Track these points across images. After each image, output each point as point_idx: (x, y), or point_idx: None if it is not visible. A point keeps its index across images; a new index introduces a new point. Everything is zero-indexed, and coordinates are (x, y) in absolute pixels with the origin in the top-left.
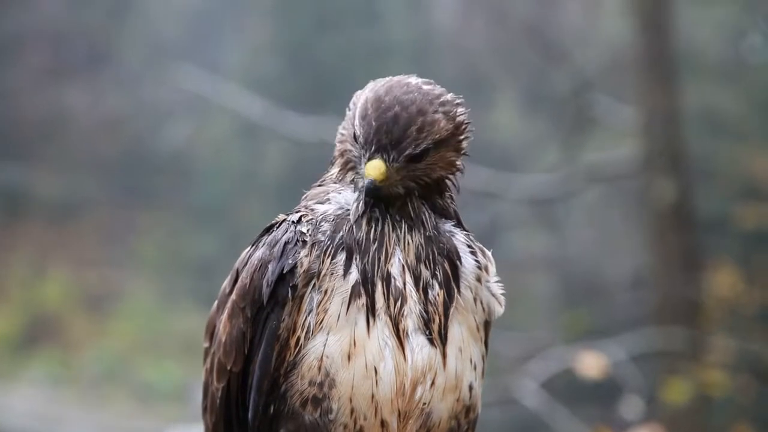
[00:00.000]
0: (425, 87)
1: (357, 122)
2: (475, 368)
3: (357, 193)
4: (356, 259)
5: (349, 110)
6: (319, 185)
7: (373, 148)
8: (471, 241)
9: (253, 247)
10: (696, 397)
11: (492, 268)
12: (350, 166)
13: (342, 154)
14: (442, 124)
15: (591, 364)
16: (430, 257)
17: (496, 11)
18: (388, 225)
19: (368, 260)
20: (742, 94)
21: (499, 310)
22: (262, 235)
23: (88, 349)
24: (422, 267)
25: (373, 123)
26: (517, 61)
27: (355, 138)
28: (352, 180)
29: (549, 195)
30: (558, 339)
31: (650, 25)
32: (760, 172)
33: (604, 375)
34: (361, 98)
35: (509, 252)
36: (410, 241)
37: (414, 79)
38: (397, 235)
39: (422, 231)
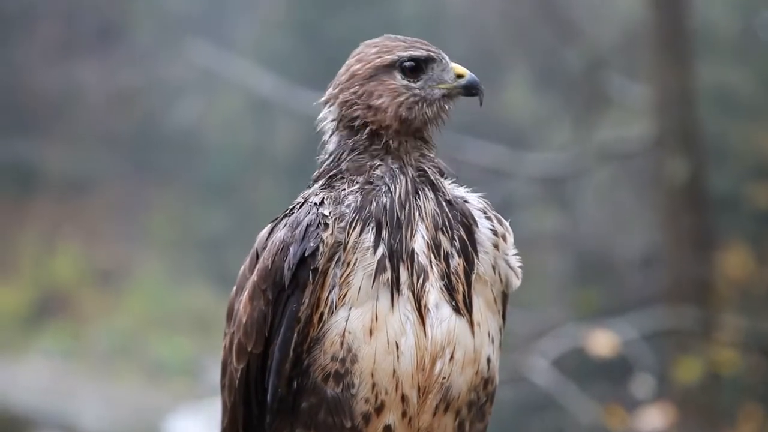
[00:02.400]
0: None
1: (408, 48)
2: (492, 341)
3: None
4: (384, 234)
5: (337, 98)
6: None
7: (444, 56)
8: (486, 206)
9: (274, 227)
10: (706, 376)
11: (510, 238)
12: (398, 112)
13: (348, 117)
14: None
15: (602, 342)
16: (447, 225)
17: None
18: (413, 191)
19: (395, 235)
20: (755, 72)
21: (516, 282)
22: (283, 216)
23: (98, 324)
24: (441, 236)
25: (422, 44)
26: (529, 39)
27: (412, 70)
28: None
29: (561, 173)
30: (569, 317)
31: (663, 3)
32: None
33: (615, 353)
34: (375, 47)
35: (521, 230)
36: (431, 208)
37: None
38: (420, 206)
39: (440, 195)
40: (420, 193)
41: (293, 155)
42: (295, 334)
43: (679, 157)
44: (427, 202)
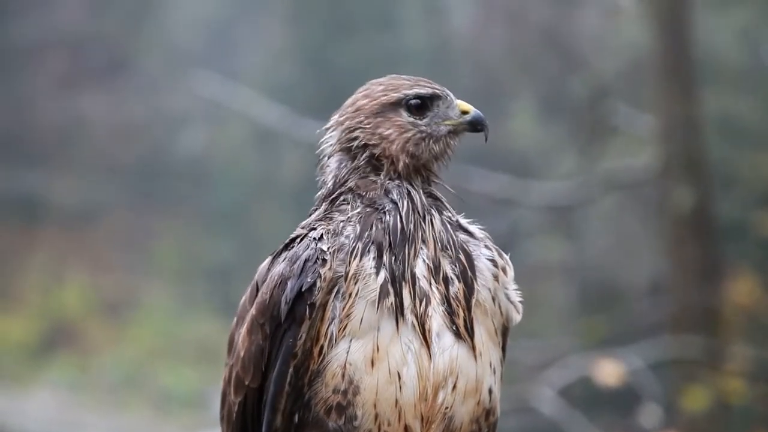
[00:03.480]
0: None
1: (414, 86)
2: (494, 372)
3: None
4: (385, 257)
5: (341, 124)
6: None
7: (449, 94)
8: (486, 237)
9: (273, 260)
10: (714, 405)
11: (510, 272)
12: (405, 146)
13: (357, 149)
14: None
15: (609, 371)
16: (451, 248)
17: (514, 18)
18: (420, 209)
19: (396, 258)
20: (761, 100)
21: (516, 317)
22: (283, 249)
23: (105, 355)
24: (443, 259)
25: (426, 82)
26: (534, 68)
27: (418, 107)
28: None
29: (567, 202)
30: (575, 346)
31: (669, 32)
32: None
33: (622, 383)
34: (381, 86)
35: (527, 259)
36: (438, 227)
37: None
38: (426, 224)
39: (445, 217)
40: (427, 213)
41: (299, 185)
42: (291, 369)
43: (685, 186)
44: (435, 221)
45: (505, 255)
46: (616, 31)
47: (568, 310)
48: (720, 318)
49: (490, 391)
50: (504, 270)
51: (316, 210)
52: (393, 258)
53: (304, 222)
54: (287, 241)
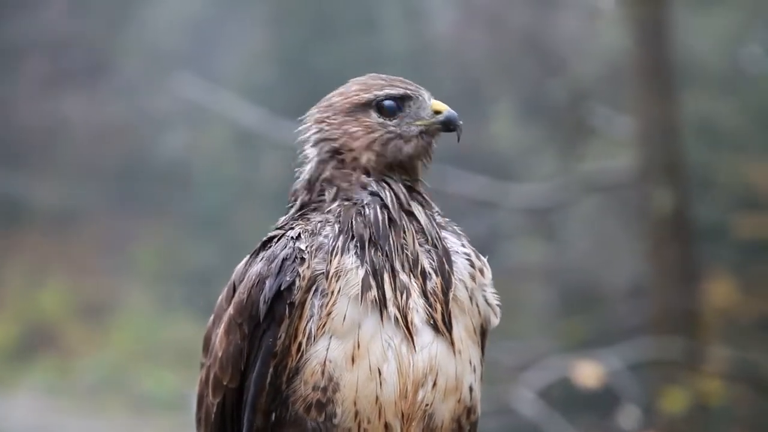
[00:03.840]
0: None
1: (385, 86)
2: (474, 370)
3: (374, 192)
4: (367, 251)
5: (313, 118)
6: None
7: (425, 92)
8: (464, 237)
9: (251, 260)
10: (693, 407)
11: (488, 273)
12: (370, 145)
13: (328, 160)
14: None
15: (588, 373)
16: (428, 244)
17: (494, 21)
18: (405, 200)
19: (377, 250)
20: (740, 104)
21: (494, 320)
22: (260, 249)
23: (85, 359)
24: (420, 253)
25: (401, 82)
26: (514, 71)
27: (390, 109)
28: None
29: (546, 204)
30: (555, 348)
31: (648, 35)
32: (757, 182)
33: (602, 384)
34: (356, 85)
35: (506, 261)
36: (413, 225)
37: None
38: (405, 221)
39: (427, 211)
40: (408, 206)
41: (279, 187)
42: (271, 369)
43: (664, 188)
44: (417, 215)
45: (482, 257)
46: (596, 34)
47: (548, 311)
48: (699, 320)
49: (471, 389)
50: (481, 271)
51: (291, 207)
52: (374, 250)
53: (281, 220)
54: (264, 240)
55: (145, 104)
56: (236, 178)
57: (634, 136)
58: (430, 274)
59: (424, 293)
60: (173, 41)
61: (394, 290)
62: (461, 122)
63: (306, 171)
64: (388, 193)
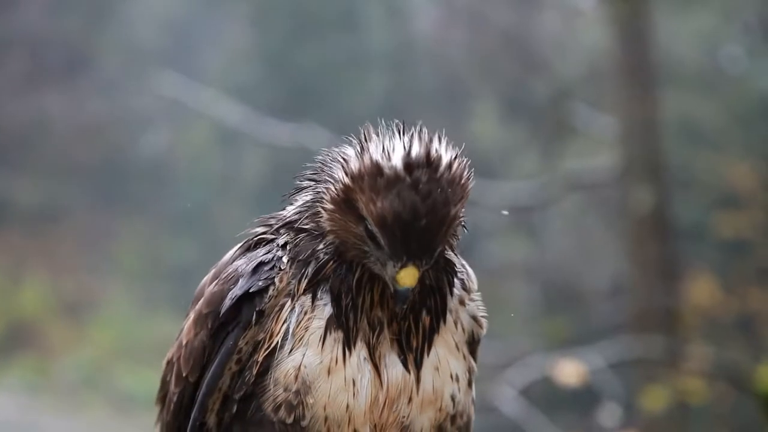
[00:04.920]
0: (444, 172)
1: (375, 224)
2: (456, 380)
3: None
4: (337, 298)
5: (334, 165)
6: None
7: (405, 258)
8: (462, 264)
9: (238, 254)
10: (673, 405)
11: (474, 287)
12: (344, 243)
13: (319, 212)
14: (463, 207)
15: (569, 371)
16: (421, 301)
17: (476, 20)
18: (380, 285)
19: (350, 301)
20: (720, 103)
21: (480, 332)
22: (249, 247)
23: (65, 357)
24: (408, 311)
25: (401, 235)
26: (496, 70)
27: (372, 238)
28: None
29: (528, 203)
30: (537, 347)
31: (629, 35)
32: (737, 181)
33: (583, 382)
34: (378, 204)
35: (488, 259)
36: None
37: (433, 154)
38: (388, 296)
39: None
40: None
41: (261, 185)
42: (226, 371)
43: (645, 187)
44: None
45: (471, 273)
46: (577, 33)
47: (529, 310)
48: (679, 318)
49: (453, 398)
50: (469, 290)
51: (294, 203)
52: (345, 301)
53: (276, 216)
54: (257, 239)
55: (126, 102)
56: (218, 175)
57: (615, 135)
58: (421, 314)
59: (407, 331)
60: (154, 39)
61: (365, 329)
62: (405, 306)
63: (305, 198)
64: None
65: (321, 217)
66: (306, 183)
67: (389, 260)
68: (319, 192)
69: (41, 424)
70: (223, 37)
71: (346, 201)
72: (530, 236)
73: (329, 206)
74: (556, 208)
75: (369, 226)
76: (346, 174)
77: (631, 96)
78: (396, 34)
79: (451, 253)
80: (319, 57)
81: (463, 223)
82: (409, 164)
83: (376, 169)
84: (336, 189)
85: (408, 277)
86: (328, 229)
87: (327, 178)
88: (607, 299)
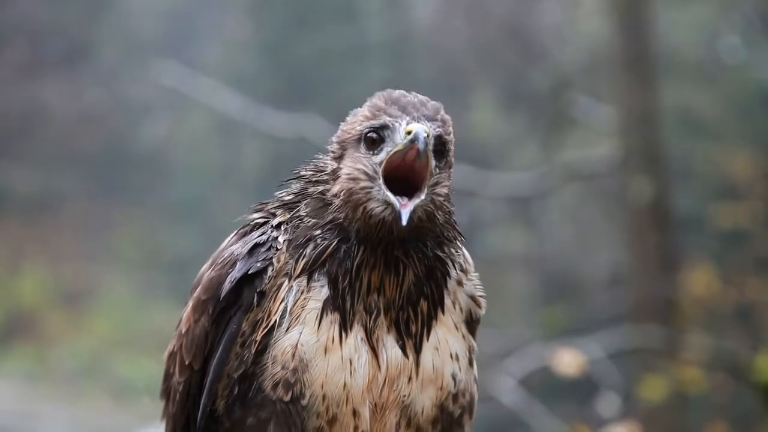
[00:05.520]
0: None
1: (370, 118)
2: (457, 359)
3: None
4: (334, 281)
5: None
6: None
7: (407, 117)
8: (461, 251)
9: (234, 239)
10: (672, 395)
11: (471, 269)
12: (348, 200)
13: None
14: (451, 126)
15: (568, 361)
16: (418, 288)
17: (475, 10)
18: (379, 268)
19: (347, 284)
20: (719, 94)
21: (479, 312)
22: (245, 233)
23: (63, 345)
24: (405, 298)
25: (398, 104)
26: (495, 60)
27: (371, 135)
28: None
29: (527, 193)
30: (535, 336)
31: (628, 25)
32: (736, 172)
33: (581, 372)
34: (358, 113)
35: (487, 249)
36: (395, 282)
37: None
38: (385, 281)
39: (415, 273)
40: (388, 264)
41: (260, 175)
42: (233, 355)
43: (644, 177)
44: (403, 271)
45: (467, 256)
46: (577, 23)
47: (528, 300)
48: (678, 308)
49: (454, 377)
50: (466, 272)
51: (291, 182)
52: (343, 284)
53: (274, 198)
54: (253, 222)
55: (125, 91)
56: (216, 165)
57: (614, 125)
58: (419, 300)
59: (406, 314)
60: (153, 28)
61: (362, 312)
62: (423, 144)
63: (314, 171)
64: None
65: (321, 189)
66: (302, 171)
67: (396, 128)
68: (314, 172)
69: (40, 412)
70: (222, 27)
71: (342, 147)
72: (529, 226)
73: (332, 164)
74: (555, 198)
75: (368, 127)
76: (337, 137)
77: (631, 86)
78: (395, 24)
79: (446, 243)
80: (318, 47)
81: (451, 150)
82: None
83: (358, 109)
84: (333, 148)
85: (418, 126)
86: (336, 188)
87: (320, 157)
88: (606, 289)
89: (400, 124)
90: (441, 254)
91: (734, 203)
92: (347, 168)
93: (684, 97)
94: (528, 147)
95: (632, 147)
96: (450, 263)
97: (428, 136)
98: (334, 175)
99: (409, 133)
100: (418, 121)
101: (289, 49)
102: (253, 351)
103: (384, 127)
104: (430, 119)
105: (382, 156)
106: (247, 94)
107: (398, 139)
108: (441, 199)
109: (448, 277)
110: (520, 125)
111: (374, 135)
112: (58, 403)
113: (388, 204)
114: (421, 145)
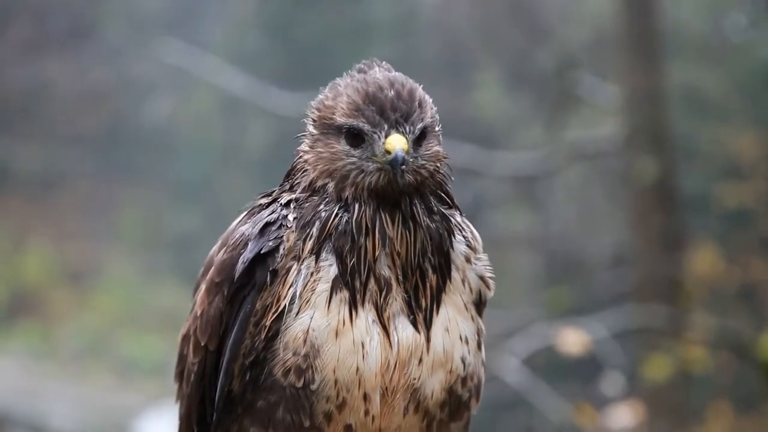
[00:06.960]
0: (396, 74)
1: (349, 116)
2: (466, 342)
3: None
4: (341, 256)
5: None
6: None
7: (386, 126)
8: (465, 223)
9: (243, 219)
10: (676, 374)
11: (479, 247)
12: (333, 173)
13: (315, 168)
14: (430, 102)
15: (572, 341)
16: (424, 246)
17: None
18: (381, 221)
19: (354, 256)
20: (724, 73)
21: (488, 293)
22: (253, 212)
23: (68, 324)
24: (413, 256)
25: (376, 104)
26: (500, 39)
27: (355, 135)
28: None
29: (532, 172)
30: (540, 316)
31: (633, 4)
32: (741, 152)
33: (586, 352)
34: (337, 99)
35: (492, 229)
36: (403, 233)
37: (378, 71)
38: (390, 232)
39: (418, 223)
40: (391, 220)
41: (265, 154)
42: (248, 334)
43: (649, 157)
44: (403, 226)
45: (476, 233)
46: (582, 1)
47: (533, 280)
48: (682, 288)
49: (463, 360)
50: (475, 249)
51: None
52: (350, 257)
53: (279, 189)
54: (261, 203)
55: (130, 69)
56: (221, 144)
57: (620, 104)
58: (426, 270)
59: (414, 289)
60: (158, 6)
61: (373, 288)
62: (403, 167)
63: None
64: (358, 208)
65: (308, 169)
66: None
67: (375, 140)
68: (302, 150)
69: (45, 390)
70: (226, 5)
71: (321, 125)
72: (534, 206)
73: (311, 144)
74: (559, 178)
75: (348, 125)
76: (317, 109)
77: (636, 65)
78: (400, 3)
79: (449, 207)
80: (322, 25)
81: (439, 130)
82: (364, 66)
83: (337, 82)
84: (312, 125)
85: (397, 141)
86: (318, 170)
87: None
88: (611, 269)
89: (379, 137)
90: (445, 210)
91: (739, 183)
92: (328, 153)
93: (689, 76)
94: (533, 126)
95: (637, 126)
96: (454, 222)
97: (407, 152)
98: (316, 156)
99: (388, 152)
100: (396, 128)
101: (293, 27)
102: (263, 337)
103: (362, 132)
104: (407, 117)
105: (366, 153)
106: (252, 73)
107: (377, 151)
108: (430, 154)
109: (453, 237)
110: (525, 104)
111: (354, 132)
112: (63, 381)
113: (380, 169)
114: (399, 169)
